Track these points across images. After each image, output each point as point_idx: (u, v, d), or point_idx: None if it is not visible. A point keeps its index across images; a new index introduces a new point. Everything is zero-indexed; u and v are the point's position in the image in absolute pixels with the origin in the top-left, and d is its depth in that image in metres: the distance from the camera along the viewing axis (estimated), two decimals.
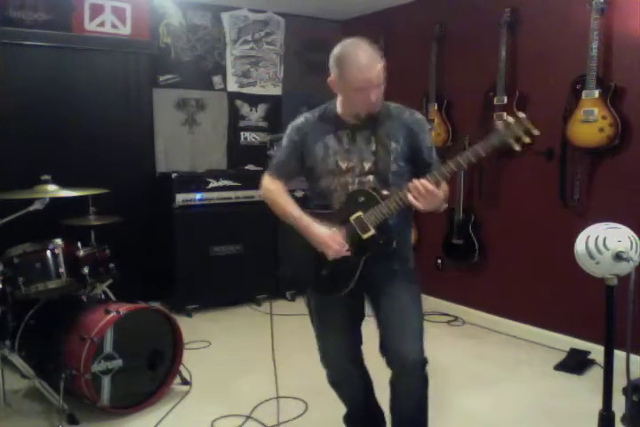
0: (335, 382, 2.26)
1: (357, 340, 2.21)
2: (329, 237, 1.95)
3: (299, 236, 2.02)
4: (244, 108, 5.00)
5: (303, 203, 2.11)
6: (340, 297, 2.03)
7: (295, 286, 2.24)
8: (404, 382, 2.09)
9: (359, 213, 1.95)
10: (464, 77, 4.12)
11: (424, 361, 2.07)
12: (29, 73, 3.96)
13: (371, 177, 1.98)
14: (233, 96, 4.94)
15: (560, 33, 3.54)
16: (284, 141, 2.11)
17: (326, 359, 2.21)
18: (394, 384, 2.13)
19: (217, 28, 4.79)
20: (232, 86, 4.92)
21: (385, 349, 2.09)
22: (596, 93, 3.21)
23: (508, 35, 3.72)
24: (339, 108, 2.03)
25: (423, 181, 1.81)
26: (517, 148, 1.78)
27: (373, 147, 1.98)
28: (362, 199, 1.95)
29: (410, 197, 1.83)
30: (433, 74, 4.24)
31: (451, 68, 4.23)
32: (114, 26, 4.26)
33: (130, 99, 4.40)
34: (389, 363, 2.09)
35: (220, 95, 4.88)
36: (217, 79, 4.85)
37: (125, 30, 4.32)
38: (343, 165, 2.00)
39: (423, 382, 2.11)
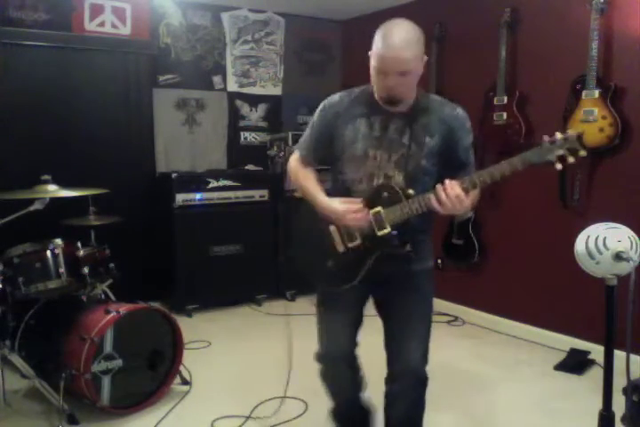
0: (325, 377, 2.20)
1: (354, 341, 2.15)
2: (341, 206, 1.87)
3: (312, 222, 1.97)
4: (244, 108, 5.00)
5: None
6: (348, 295, 1.99)
7: (301, 273, 2.16)
8: (402, 379, 2.06)
9: (379, 209, 1.85)
10: (464, 77, 4.12)
11: (426, 362, 2.06)
12: (29, 73, 3.96)
13: (397, 171, 1.87)
14: (233, 96, 4.94)
15: (560, 33, 3.54)
16: (315, 118, 2.01)
17: (321, 353, 2.15)
18: (391, 382, 2.09)
19: (217, 28, 4.79)
20: (232, 86, 4.92)
21: (389, 347, 2.07)
22: (596, 93, 3.21)
23: (507, 35, 3.72)
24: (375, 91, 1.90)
25: (454, 182, 1.70)
26: (559, 166, 1.65)
27: (406, 139, 1.86)
28: (385, 195, 1.85)
29: (432, 199, 1.73)
30: (433, 74, 4.23)
31: (451, 68, 4.23)
32: (114, 26, 4.26)
33: (130, 99, 4.41)
34: (391, 362, 2.07)
35: (220, 95, 4.88)
36: (217, 79, 4.85)
37: (125, 30, 4.32)
38: (370, 153, 1.89)
39: (423, 382, 2.08)
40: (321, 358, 2.16)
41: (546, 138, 1.65)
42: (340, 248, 1.96)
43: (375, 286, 2.04)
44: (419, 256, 2.00)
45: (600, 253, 1.67)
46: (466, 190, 1.71)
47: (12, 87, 3.91)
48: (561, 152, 1.63)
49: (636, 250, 1.66)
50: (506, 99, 3.71)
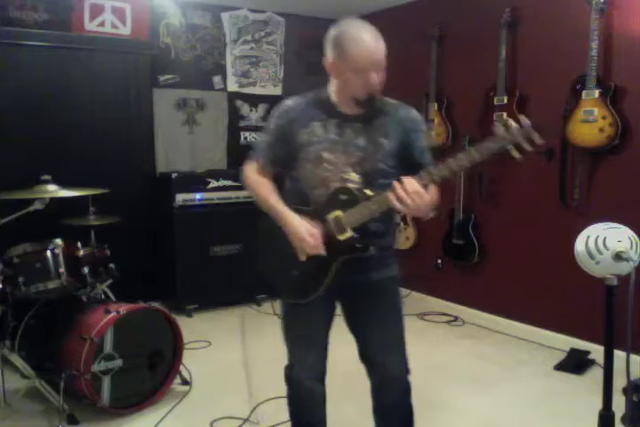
0: (296, 401, 2.10)
1: (326, 355, 2.05)
2: (304, 229, 1.79)
3: (273, 232, 1.89)
4: (244, 108, 5.00)
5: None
6: (315, 307, 1.92)
7: (270, 287, 2.10)
8: (388, 392, 2.03)
9: (338, 213, 1.80)
10: (464, 77, 4.12)
11: (408, 371, 2.02)
12: (29, 73, 3.96)
13: (354, 174, 1.83)
14: (233, 96, 4.94)
15: (560, 33, 3.54)
16: (270, 124, 1.95)
17: (292, 374, 2.05)
18: (377, 395, 2.06)
19: (217, 28, 4.79)
20: (232, 86, 4.92)
21: (366, 360, 2.03)
22: (596, 93, 3.21)
23: (507, 35, 3.72)
24: (333, 95, 1.89)
25: (410, 179, 1.66)
26: (517, 155, 1.60)
27: (362, 141, 1.83)
28: (343, 197, 1.80)
29: (391, 197, 1.66)
30: (433, 74, 4.24)
31: (451, 68, 4.23)
32: (114, 26, 4.26)
33: (130, 99, 4.40)
34: (372, 374, 2.03)
35: (220, 95, 4.88)
36: (217, 79, 4.85)
37: (125, 30, 4.32)
38: (325, 157, 1.84)
39: (407, 391, 2.04)
40: (292, 374, 2.05)
41: (500, 126, 1.62)
42: (302, 257, 1.86)
43: (341, 299, 1.99)
44: (382, 263, 1.95)
45: (600, 253, 1.67)
46: (424, 186, 1.67)
47: (12, 87, 3.91)
48: (519, 139, 1.58)
49: (636, 250, 1.66)
50: (506, 99, 3.71)
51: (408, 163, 1.87)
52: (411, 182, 1.65)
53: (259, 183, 1.96)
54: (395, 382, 2.01)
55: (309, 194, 1.89)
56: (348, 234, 1.80)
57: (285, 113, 1.92)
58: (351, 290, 1.94)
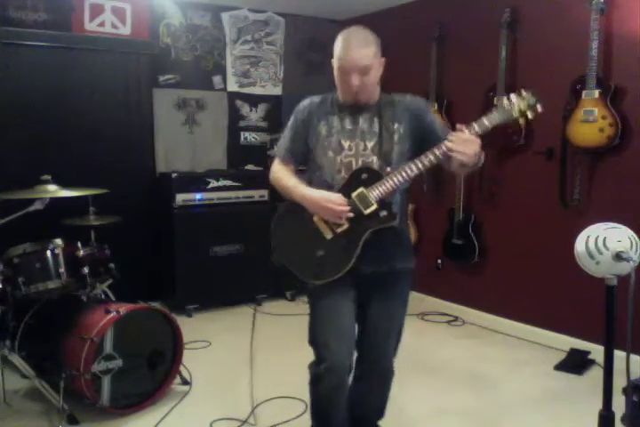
0: (320, 398, 2.08)
1: (353, 348, 2.07)
2: (325, 199, 1.92)
3: (290, 220, 2.04)
4: (244, 108, 5.00)
5: None
6: (343, 294, 1.99)
7: (289, 274, 2.13)
8: (376, 377, 2.17)
9: (361, 189, 1.92)
10: (464, 77, 4.12)
11: (395, 356, 2.19)
12: (29, 73, 3.96)
13: (374, 157, 1.97)
14: (233, 96, 4.94)
15: (560, 33, 3.54)
16: (291, 122, 2.12)
17: (319, 370, 2.00)
18: (362, 382, 2.17)
19: (217, 28, 4.79)
20: (232, 86, 4.92)
21: (365, 344, 2.12)
22: (596, 93, 3.21)
23: (508, 35, 3.72)
24: (339, 93, 2.05)
25: (458, 132, 1.83)
26: (522, 121, 1.91)
27: (376, 127, 1.99)
28: (364, 176, 1.93)
29: (452, 143, 1.80)
30: (433, 74, 4.24)
31: (451, 68, 4.23)
32: (114, 26, 4.26)
33: (130, 99, 4.40)
34: (363, 361, 2.13)
35: (220, 95, 4.88)
36: (217, 79, 4.85)
37: (125, 30, 4.32)
38: (345, 144, 2.00)
39: (392, 374, 2.22)
40: (318, 370, 2.01)
41: (503, 99, 1.86)
42: (329, 235, 1.97)
43: (362, 286, 2.04)
44: (405, 253, 2.09)
45: (600, 253, 1.67)
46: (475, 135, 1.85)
47: (12, 87, 3.91)
48: (521, 107, 1.89)
49: (636, 250, 1.66)
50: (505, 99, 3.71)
51: (431, 141, 1.96)
52: (459, 134, 1.83)
53: (280, 172, 2.13)
54: (388, 366, 2.17)
55: (332, 180, 2.01)
56: (374, 207, 1.91)
57: (304, 109, 2.09)
58: (373, 278, 2.02)
